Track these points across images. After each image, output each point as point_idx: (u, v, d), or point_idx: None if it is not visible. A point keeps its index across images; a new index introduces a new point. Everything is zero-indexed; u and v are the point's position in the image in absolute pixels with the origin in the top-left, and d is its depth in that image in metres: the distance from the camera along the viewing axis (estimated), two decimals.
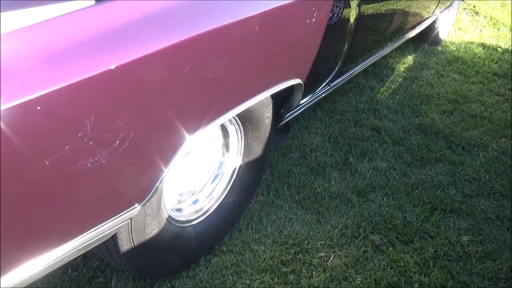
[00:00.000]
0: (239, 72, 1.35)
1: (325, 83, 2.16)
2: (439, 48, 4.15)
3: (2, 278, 0.96)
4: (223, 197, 1.78)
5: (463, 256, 1.87)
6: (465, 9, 5.26)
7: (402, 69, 3.64)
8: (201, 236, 1.69)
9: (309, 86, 1.87)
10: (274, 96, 1.66)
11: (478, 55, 4.07)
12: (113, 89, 0.98)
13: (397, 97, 3.12)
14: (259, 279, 1.69)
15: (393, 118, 2.86)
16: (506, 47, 4.38)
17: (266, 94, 1.51)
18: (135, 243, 1.36)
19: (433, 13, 3.47)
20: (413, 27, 3.18)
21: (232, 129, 1.69)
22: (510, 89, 3.46)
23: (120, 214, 1.15)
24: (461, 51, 4.13)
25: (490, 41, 4.51)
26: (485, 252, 1.89)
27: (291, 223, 1.96)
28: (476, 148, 2.61)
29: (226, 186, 1.78)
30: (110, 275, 1.65)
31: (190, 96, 1.20)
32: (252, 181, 1.87)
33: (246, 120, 1.65)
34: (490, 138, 2.73)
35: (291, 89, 1.74)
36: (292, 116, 2.00)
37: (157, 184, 1.21)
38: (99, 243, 1.17)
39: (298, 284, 1.70)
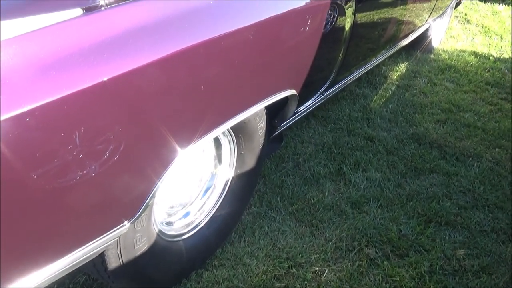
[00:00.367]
0: (233, 84, 1.31)
1: (319, 93, 2.12)
2: (432, 56, 4.14)
3: None
4: (215, 209, 1.73)
5: (459, 271, 1.84)
6: (456, 17, 5.27)
7: (395, 77, 3.62)
8: (192, 250, 1.64)
9: (304, 96, 1.84)
10: (267, 107, 1.62)
11: (471, 63, 4.07)
12: (102, 102, 0.93)
13: (391, 106, 3.09)
14: None
15: (387, 127, 2.83)
16: (498, 55, 4.38)
17: (260, 106, 1.47)
18: (123, 260, 1.30)
19: (426, 21, 3.46)
20: (406, 35, 3.17)
21: (225, 141, 1.64)
22: (502, 98, 3.46)
23: (108, 233, 1.10)
24: (454, 59, 4.13)
25: (482, 49, 4.52)
26: (481, 266, 1.86)
27: (285, 236, 1.91)
28: (470, 159, 2.59)
29: (218, 199, 1.74)
30: None
31: (183, 109, 1.15)
32: (244, 193, 1.83)
33: (240, 131, 1.61)
34: (484, 149, 2.71)
35: (285, 99, 1.70)
36: (286, 126, 1.96)
37: (147, 201, 1.16)
38: (85, 262, 1.11)
39: None
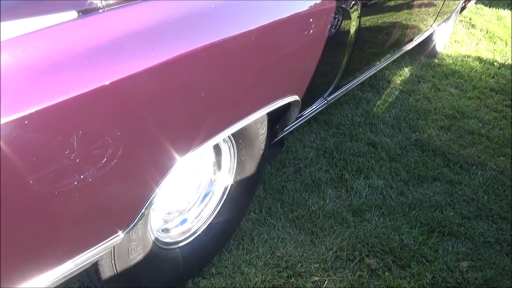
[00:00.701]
0: (234, 90, 1.26)
1: (322, 98, 2.08)
2: (436, 60, 4.10)
3: None
4: (213, 216, 1.69)
5: (462, 283, 1.80)
6: (461, 21, 5.22)
7: (399, 82, 3.57)
8: (189, 258, 1.60)
9: (306, 101, 1.80)
10: (269, 113, 1.58)
11: (475, 69, 4.02)
12: (99, 107, 0.89)
13: (394, 111, 3.05)
14: None
15: (390, 133, 2.79)
16: (503, 61, 4.33)
17: (262, 112, 1.43)
18: (118, 270, 1.26)
19: (431, 26, 3.42)
20: (411, 40, 3.12)
21: (224, 147, 1.60)
22: (507, 105, 3.41)
23: (102, 243, 1.06)
24: (458, 64, 4.08)
25: (487, 55, 4.47)
26: (485, 279, 1.82)
27: (284, 244, 1.87)
28: (474, 167, 2.55)
29: (217, 205, 1.69)
30: None
31: (183, 115, 1.11)
32: (244, 199, 1.79)
33: (240, 137, 1.57)
34: (488, 157, 2.67)
35: (287, 105, 1.66)
36: (287, 132, 1.92)
37: (143, 210, 1.12)
38: (78, 272, 1.07)
39: None
